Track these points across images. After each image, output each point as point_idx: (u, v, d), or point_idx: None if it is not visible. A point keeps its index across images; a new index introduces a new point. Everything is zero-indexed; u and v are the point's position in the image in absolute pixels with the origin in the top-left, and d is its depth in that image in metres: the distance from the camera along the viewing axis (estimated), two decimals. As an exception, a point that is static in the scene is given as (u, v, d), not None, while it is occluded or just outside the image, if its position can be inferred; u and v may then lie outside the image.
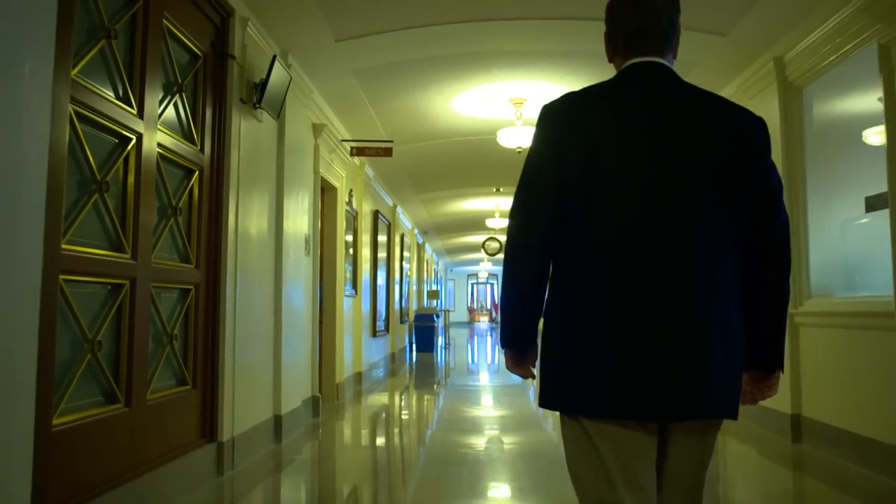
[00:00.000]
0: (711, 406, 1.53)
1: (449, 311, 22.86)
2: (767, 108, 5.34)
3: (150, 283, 3.37)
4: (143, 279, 3.26)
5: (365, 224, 9.29)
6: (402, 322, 13.96)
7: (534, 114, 7.56)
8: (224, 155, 4.24)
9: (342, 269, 7.60)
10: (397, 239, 13.17)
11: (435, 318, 15.58)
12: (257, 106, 4.60)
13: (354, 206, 8.54)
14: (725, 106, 1.65)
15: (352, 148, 7.24)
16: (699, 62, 5.73)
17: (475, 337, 25.02)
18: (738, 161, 1.58)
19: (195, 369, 3.92)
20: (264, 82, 4.52)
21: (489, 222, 14.78)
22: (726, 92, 6.03)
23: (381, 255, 11.13)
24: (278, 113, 4.87)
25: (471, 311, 39.53)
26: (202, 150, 4.04)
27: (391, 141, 7.20)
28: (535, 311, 1.63)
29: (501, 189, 12.43)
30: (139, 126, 3.25)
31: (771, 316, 1.64)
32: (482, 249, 18.64)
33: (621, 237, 1.53)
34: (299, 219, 5.78)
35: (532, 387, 9.13)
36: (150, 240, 3.35)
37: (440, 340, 18.38)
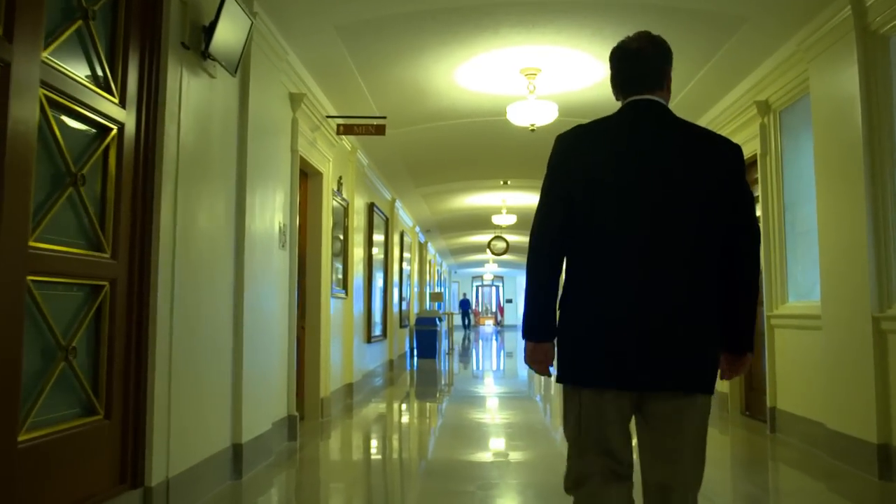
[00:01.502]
0: (682, 382, 1.91)
1: (453, 314, 21.88)
2: (842, 66, 4.35)
3: (25, 275, 2.40)
4: (6, 268, 2.29)
5: (358, 218, 8.31)
6: (401, 326, 12.98)
7: (549, 88, 6.61)
8: (157, 113, 3.27)
9: (328, 267, 6.62)
10: (396, 236, 12.19)
11: (437, 322, 14.59)
12: (206, 55, 3.63)
13: (345, 196, 7.56)
14: (706, 134, 2.04)
15: (338, 125, 6.27)
16: (750, 15, 4.75)
17: (480, 341, 24.01)
18: (716, 181, 1.95)
19: (109, 393, 2.94)
20: (213, 23, 3.54)
21: (495, 219, 13.78)
22: (787, 48, 5.06)
23: (378, 253, 10.15)
24: (236, 68, 3.89)
25: (476, 314, 38.53)
26: (123, 103, 3.06)
27: (384, 117, 6.23)
28: (551, 299, 1.98)
29: (510, 182, 11.44)
30: (5, 51, 2.28)
31: (743, 309, 2.00)
32: (487, 249, 17.63)
33: (615, 245, 1.93)
34: (270, 205, 4.81)
35: (539, 394, 8.16)
36: (22, 213, 2.37)
37: (443, 345, 17.40)
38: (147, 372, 3.16)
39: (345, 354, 7.58)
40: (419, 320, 14.45)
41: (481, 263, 31.23)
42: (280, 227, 5.13)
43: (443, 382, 10.92)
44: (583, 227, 1.95)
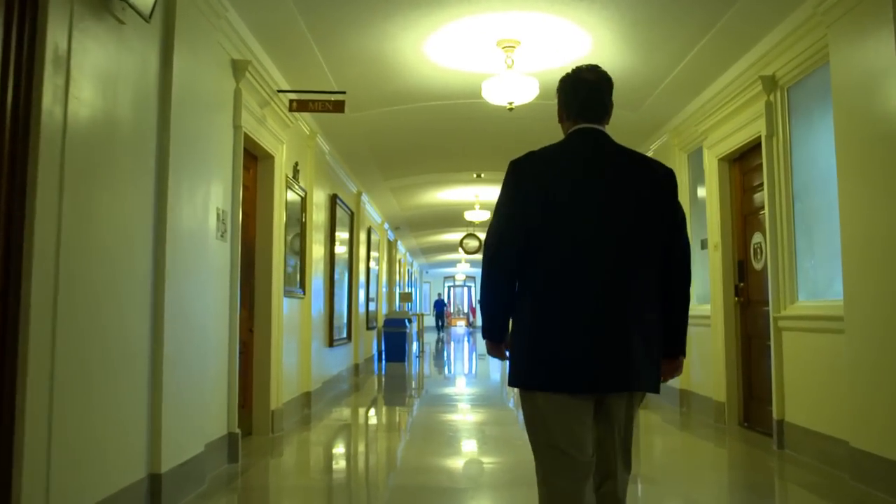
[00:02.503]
0: (638, 382, 2.13)
1: (424, 315, 21.19)
2: (871, 28, 3.73)
3: None
4: None
5: (318, 210, 7.57)
6: (369, 328, 12.24)
7: (529, 64, 5.92)
8: (32, 71, 2.52)
9: (281, 263, 5.89)
10: (363, 233, 11.45)
11: (407, 324, 13.88)
12: (108, -10, 2.89)
13: (303, 185, 6.83)
14: (644, 160, 2.27)
15: (291, 101, 5.53)
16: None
17: (451, 343, 23.31)
18: (653, 202, 2.18)
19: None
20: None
21: (468, 215, 13.10)
22: (800, 13, 4.45)
23: (342, 249, 9.41)
24: (150, 11, 3.14)
25: (447, 315, 37.82)
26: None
27: (343, 92, 5.51)
28: (506, 313, 2.22)
29: (483, 175, 10.77)
30: None
31: (676, 315, 2.23)
32: (460, 248, 16.94)
33: (567, 264, 2.11)
34: (203, 189, 4.07)
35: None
36: None
37: (414, 347, 16.70)
38: (18, 394, 2.41)
39: (302, 360, 6.84)
40: (387, 322, 13.72)
41: (453, 263, 30.55)
42: (218, 216, 4.39)
43: (412, 387, 10.21)
44: (538, 245, 2.13)
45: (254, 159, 5.65)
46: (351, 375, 10.18)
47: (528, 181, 2.17)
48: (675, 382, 7.11)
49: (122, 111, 3.18)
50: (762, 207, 5.43)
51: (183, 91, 3.68)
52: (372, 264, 12.80)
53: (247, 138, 5.08)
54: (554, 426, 2.09)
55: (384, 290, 15.15)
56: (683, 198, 7.05)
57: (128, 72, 3.22)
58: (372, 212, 12.56)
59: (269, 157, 5.73)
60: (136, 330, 3.30)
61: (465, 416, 7.15)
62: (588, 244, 2.11)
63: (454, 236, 18.04)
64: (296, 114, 6.19)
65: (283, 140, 5.89)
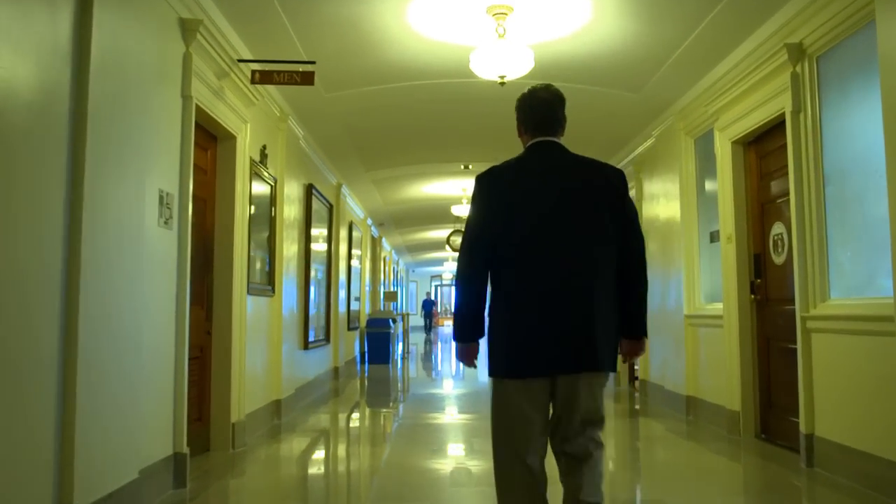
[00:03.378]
0: (590, 363, 2.39)
1: (409, 314, 20.55)
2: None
3: None
4: None
5: (291, 200, 6.92)
6: (350, 329, 11.58)
7: (524, 36, 5.22)
8: None
9: (244, 257, 5.24)
10: (343, 228, 10.80)
11: (391, 324, 13.23)
12: None
13: (272, 172, 6.17)
14: (596, 165, 2.54)
15: (253, 72, 4.87)
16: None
17: (439, 343, 22.69)
18: (606, 203, 2.46)
19: None
20: None
21: (455, 210, 12.45)
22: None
23: (319, 244, 8.75)
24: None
25: (434, 314, 37.14)
26: None
27: (312, 62, 4.86)
28: (478, 316, 2.49)
29: (471, 167, 10.15)
30: None
31: (634, 301, 2.50)
32: (447, 245, 16.30)
33: (533, 266, 2.40)
34: (137, 166, 3.42)
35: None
36: None
37: (399, 348, 16.08)
38: None
39: (271, 364, 6.19)
40: (370, 322, 13.07)
41: (440, 262, 29.88)
42: (162, 199, 3.74)
43: (396, 391, 9.58)
44: (507, 249, 2.42)
45: (212, 139, 5.00)
46: (330, 379, 9.53)
47: (492, 194, 2.45)
48: (679, 387, 6.53)
49: (23, 73, 2.53)
50: (784, 194, 4.84)
51: (107, 51, 3.03)
52: (354, 262, 12.15)
53: (201, 113, 4.43)
54: (511, 408, 2.44)
55: (367, 288, 14.49)
56: (689, 187, 6.45)
57: (31, 25, 2.57)
58: (354, 206, 11.91)
59: (231, 138, 5.08)
60: (43, 336, 2.65)
61: (451, 420, 6.52)
62: (547, 242, 2.40)
63: (441, 233, 17.41)
64: (263, 91, 5.57)
65: (246, 119, 5.24)
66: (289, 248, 6.77)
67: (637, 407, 7.52)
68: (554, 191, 2.44)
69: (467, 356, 2.56)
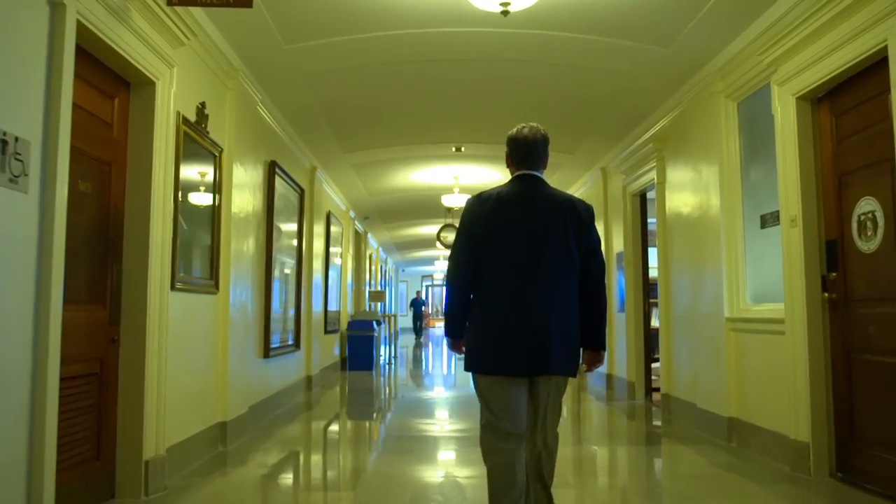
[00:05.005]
0: (555, 369, 2.81)
1: (397, 315, 19.29)
2: None
3: None
4: None
5: (245, 177, 5.70)
6: (327, 332, 10.34)
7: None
8: None
9: (166, 240, 4.01)
10: (321, 218, 9.56)
11: (375, 326, 12.01)
12: None
13: (215, 137, 4.95)
14: (568, 198, 2.96)
15: (170, -11, 3.64)
16: None
17: (430, 346, 21.43)
18: (573, 231, 2.87)
19: None
20: None
21: (446, 199, 11.21)
22: None
23: (287, 233, 7.52)
24: None
25: (425, 315, 35.85)
26: None
27: (251, -24, 3.64)
28: (463, 316, 2.94)
29: (463, 149, 8.95)
30: None
31: (593, 318, 2.94)
32: (437, 241, 15.02)
33: (506, 279, 2.83)
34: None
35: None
36: None
37: (384, 352, 14.87)
38: None
39: (214, 378, 4.97)
40: (352, 324, 11.83)
41: (431, 261, 28.60)
42: (4, 146, 2.51)
43: (379, 403, 8.35)
44: (487, 263, 2.85)
45: (122, 84, 3.77)
46: (301, 391, 8.29)
47: (478, 216, 2.88)
48: (717, 406, 5.34)
49: None
50: (879, 160, 3.66)
51: None
52: (335, 257, 10.92)
53: (92, 39, 3.21)
54: (492, 401, 2.86)
55: (349, 287, 13.24)
56: (731, 162, 5.28)
57: None
58: (333, 195, 10.69)
59: (148, 84, 3.86)
60: None
61: (445, 464, 5.30)
62: (522, 261, 2.83)
63: (431, 229, 16.17)
64: (198, 29, 4.35)
65: (172, 62, 4.02)
66: (242, 236, 5.54)
67: (658, 426, 6.32)
68: (530, 218, 2.86)
69: (456, 348, 3.04)
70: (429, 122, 7.92)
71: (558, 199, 2.91)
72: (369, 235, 16.65)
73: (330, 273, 10.47)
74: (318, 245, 9.40)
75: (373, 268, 18.67)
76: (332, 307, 10.98)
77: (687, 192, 6.12)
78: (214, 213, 4.98)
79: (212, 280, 4.93)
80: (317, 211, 9.13)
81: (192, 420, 4.50)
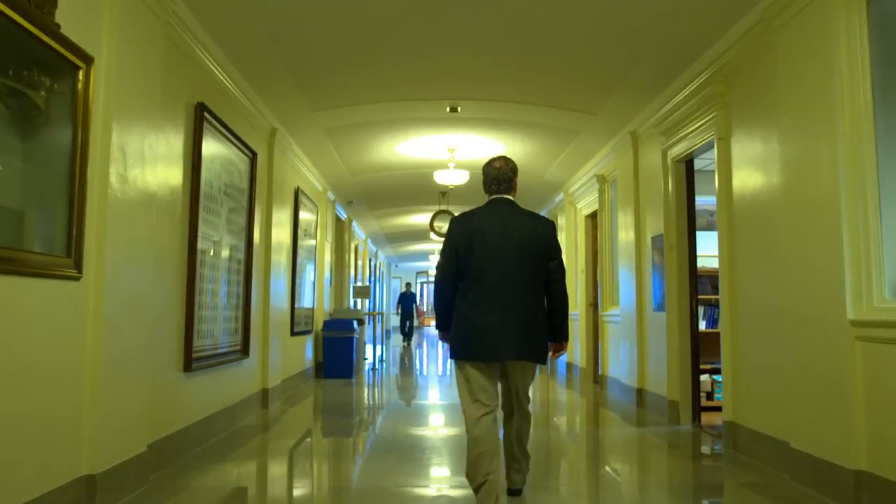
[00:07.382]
0: (523, 356, 3.47)
1: (388, 314, 17.50)
2: None
3: None
4: None
5: (144, 111, 3.95)
6: (294, 333, 8.57)
7: None
8: None
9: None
10: (283, 192, 7.79)
11: (356, 326, 10.26)
12: None
13: (73, 37, 3.20)
14: (533, 216, 3.65)
15: None
16: None
17: (424, 346, 19.65)
18: (538, 245, 3.54)
19: None
20: None
21: (439, 176, 9.38)
22: None
23: (233, 214, 5.77)
24: None
25: (420, 313, 34.06)
26: None
27: None
28: (449, 314, 3.57)
29: (459, 109, 7.22)
30: None
31: (557, 318, 3.62)
32: (430, 230, 13.24)
33: (481, 282, 3.46)
34: None
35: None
36: None
37: (371, 355, 13.15)
38: None
39: (72, 412, 3.23)
40: (328, 324, 10.09)
41: (425, 256, 26.81)
42: None
43: (356, 421, 6.61)
44: (467, 270, 3.49)
45: None
46: (251, 410, 6.54)
47: (461, 231, 3.54)
48: (833, 453, 3.62)
49: None
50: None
51: None
52: (306, 241, 9.17)
53: None
54: (471, 381, 3.44)
55: (327, 282, 11.46)
56: (858, 92, 3.52)
57: None
58: (304, 169, 8.94)
59: None
60: None
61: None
62: (495, 268, 3.46)
63: (423, 218, 14.42)
64: None
65: None
66: (138, 199, 3.80)
67: (720, 468, 4.58)
68: (502, 233, 3.49)
69: (445, 339, 3.65)
70: (417, 72, 6.21)
71: (526, 218, 3.60)
72: (354, 224, 14.87)
73: (300, 263, 8.72)
74: (282, 228, 7.65)
75: (359, 262, 16.89)
76: (305, 304, 9.23)
77: (771, 148, 4.39)
78: (75, 158, 3.23)
79: (69, 258, 3.18)
80: (278, 184, 7.37)
81: (23, 482, 2.75)
